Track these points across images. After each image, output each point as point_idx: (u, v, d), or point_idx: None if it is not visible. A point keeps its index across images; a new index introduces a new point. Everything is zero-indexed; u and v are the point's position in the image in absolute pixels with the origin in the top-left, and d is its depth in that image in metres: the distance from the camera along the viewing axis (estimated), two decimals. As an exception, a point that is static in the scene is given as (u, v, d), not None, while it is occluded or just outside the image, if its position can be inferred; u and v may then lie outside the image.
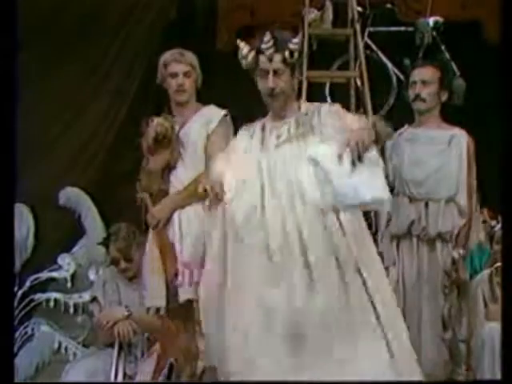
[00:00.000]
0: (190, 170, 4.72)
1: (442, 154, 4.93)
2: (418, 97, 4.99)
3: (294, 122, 4.24)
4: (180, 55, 4.79)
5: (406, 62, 5.29)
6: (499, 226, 5.57)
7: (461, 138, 4.98)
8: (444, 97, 5.03)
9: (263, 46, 4.13)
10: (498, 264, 5.48)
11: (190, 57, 4.87)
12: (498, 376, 4.90)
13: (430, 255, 4.93)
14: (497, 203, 5.30)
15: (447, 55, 6.90)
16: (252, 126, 4.39)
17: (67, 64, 6.84)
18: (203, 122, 4.85)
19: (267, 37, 4.13)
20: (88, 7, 6.96)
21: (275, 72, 4.16)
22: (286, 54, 4.15)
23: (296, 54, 4.19)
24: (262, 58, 4.17)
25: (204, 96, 4.97)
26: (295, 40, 4.19)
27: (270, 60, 4.14)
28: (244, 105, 5.59)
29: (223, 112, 4.86)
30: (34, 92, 6.79)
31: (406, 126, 5.15)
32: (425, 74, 5.01)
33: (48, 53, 6.79)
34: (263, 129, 4.29)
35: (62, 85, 6.89)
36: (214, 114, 4.85)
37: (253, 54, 4.17)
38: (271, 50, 4.13)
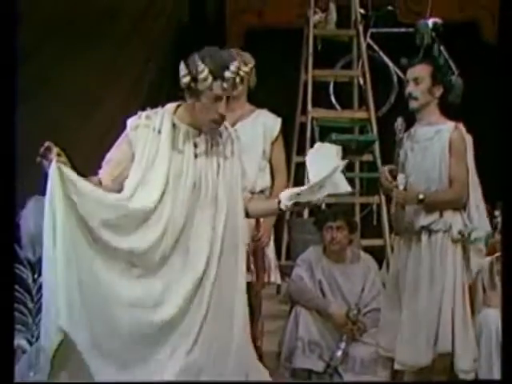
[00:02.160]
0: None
1: (425, 150, 4.84)
2: (410, 95, 4.86)
3: (210, 138, 3.91)
4: (236, 54, 4.68)
5: (403, 61, 5.21)
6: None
7: (444, 132, 4.84)
8: (438, 93, 4.87)
9: (227, 75, 3.74)
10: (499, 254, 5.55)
11: (246, 56, 4.84)
12: (495, 359, 4.89)
13: (416, 247, 4.88)
14: (496, 194, 5.32)
15: (446, 55, 6.89)
16: (152, 116, 3.89)
17: (84, 61, 6.87)
18: (264, 126, 4.89)
19: (234, 67, 3.76)
20: (105, 8, 6.99)
21: (227, 98, 3.81)
22: (237, 80, 3.81)
23: (244, 81, 3.93)
24: (219, 84, 3.74)
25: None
26: (245, 68, 3.84)
27: (228, 88, 3.76)
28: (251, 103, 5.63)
29: (280, 118, 4.89)
30: (53, 87, 6.84)
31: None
32: (416, 72, 4.87)
33: (67, 51, 6.82)
34: (174, 125, 3.88)
35: (81, 79, 6.92)
36: (274, 121, 4.88)
37: (211, 78, 3.74)
38: (233, 80, 3.77)
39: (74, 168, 3.83)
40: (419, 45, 7.10)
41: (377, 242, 6.68)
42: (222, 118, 3.84)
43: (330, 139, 6.83)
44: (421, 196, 4.75)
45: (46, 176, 3.80)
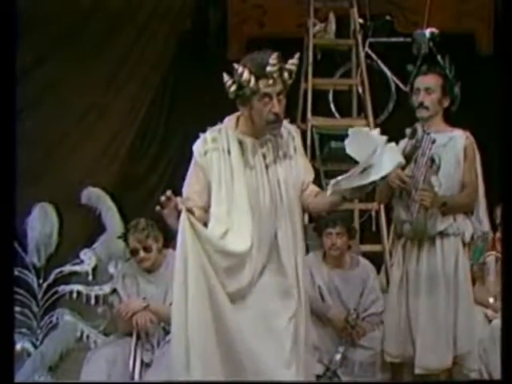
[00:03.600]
0: None
1: (439, 156, 4.89)
2: (421, 105, 4.88)
3: (274, 143, 3.85)
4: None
5: (409, 67, 5.21)
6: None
7: (458, 139, 4.89)
8: (446, 103, 4.93)
9: (269, 69, 3.64)
10: (491, 252, 5.61)
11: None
12: (474, 351, 4.88)
13: (431, 251, 4.86)
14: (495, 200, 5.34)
15: (449, 65, 6.91)
16: (218, 137, 3.81)
17: (90, 71, 6.91)
18: (287, 135, 4.88)
19: (273, 59, 3.67)
20: (108, 19, 7.02)
21: (277, 95, 3.71)
22: (286, 75, 3.72)
23: (293, 75, 3.75)
24: (264, 82, 3.68)
25: (217, 105, 4.99)
26: (292, 61, 3.76)
27: (274, 84, 3.67)
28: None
29: (298, 129, 4.85)
30: (59, 96, 6.86)
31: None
32: (428, 82, 4.90)
33: (73, 61, 6.85)
34: (241, 143, 3.80)
35: (85, 90, 6.95)
36: (294, 129, 4.83)
37: (254, 78, 3.66)
38: (277, 73, 3.67)
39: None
40: (416, 54, 7.12)
41: (375, 247, 6.68)
42: (278, 116, 3.74)
43: (329, 146, 6.85)
44: (444, 199, 4.77)
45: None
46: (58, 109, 6.80)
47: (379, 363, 5.22)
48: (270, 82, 3.67)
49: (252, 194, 3.74)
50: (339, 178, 3.74)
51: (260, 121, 3.76)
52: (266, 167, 3.80)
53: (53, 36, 6.87)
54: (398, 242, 5.01)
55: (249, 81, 3.67)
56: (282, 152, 3.85)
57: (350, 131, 3.92)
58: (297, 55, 3.78)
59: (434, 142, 4.76)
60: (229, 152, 3.77)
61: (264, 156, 3.80)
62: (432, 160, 4.78)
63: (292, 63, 3.75)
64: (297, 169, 3.88)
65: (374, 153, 3.66)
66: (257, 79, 3.68)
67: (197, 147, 3.83)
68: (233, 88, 3.73)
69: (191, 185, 3.81)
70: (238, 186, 3.72)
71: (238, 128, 3.83)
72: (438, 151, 4.79)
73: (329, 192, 3.77)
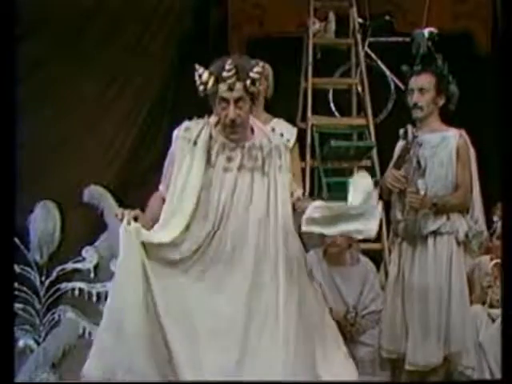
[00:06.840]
0: None
1: (432, 156, 4.86)
2: (415, 105, 4.88)
3: (247, 152, 3.82)
4: (243, 58, 4.61)
5: (404, 68, 5.21)
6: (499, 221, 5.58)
7: (450, 139, 4.86)
8: (441, 102, 4.91)
9: (225, 74, 3.69)
10: (490, 256, 5.61)
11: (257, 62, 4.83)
12: (469, 348, 4.88)
13: (424, 249, 4.85)
14: (493, 200, 5.35)
15: (441, 64, 6.93)
16: (192, 127, 3.87)
17: (92, 70, 6.93)
18: (273, 150, 4.87)
19: (229, 65, 3.70)
20: (109, 20, 7.04)
21: (236, 101, 3.73)
22: (248, 82, 3.71)
23: (258, 83, 3.75)
24: (223, 86, 3.71)
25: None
26: (256, 69, 3.75)
27: (231, 89, 3.70)
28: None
29: (295, 128, 4.79)
30: (61, 96, 6.88)
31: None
32: (421, 82, 4.90)
33: (74, 62, 6.87)
34: (210, 138, 3.83)
35: (88, 89, 6.96)
36: (291, 130, 4.73)
37: (212, 80, 3.72)
38: (233, 79, 3.69)
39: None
40: (415, 54, 7.14)
41: (375, 245, 6.69)
42: (234, 123, 3.75)
43: (329, 145, 6.88)
44: (434, 200, 4.77)
45: None
46: (60, 108, 6.81)
47: (379, 360, 5.20)
48: (227, 87, 3.70)
49: (204, 189, 3.76)
50: (317, 215, 3.70)
51: (220, 122, 3.81)
52: (225, 170, 3.79)
53: (54, 37, 6.90)
54: (395, 241, 5.02)
55: (207, 82, 3.72)
56: (253, 164, 3.82)
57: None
58: (261, 64, 3.82)
59: (420, 144, 4.77)
60: (195, 143, 3.80)
61: (229, 159, 3.81)
62: (418, 163, 4.79)
63: (256, 71, 3.76)
64: (272, 186, 3.82)
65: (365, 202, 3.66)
66: (217, 82, 3.72)
67: (174, 132, 3.91)
68: (200, 88, 3.78)
69: (165, 166, 3.92)
70: (192, 178, 3.76)
71: (218, 126, 3.86)
72: (424, 153, 4.80)
73: (303, 227, 3.75)
